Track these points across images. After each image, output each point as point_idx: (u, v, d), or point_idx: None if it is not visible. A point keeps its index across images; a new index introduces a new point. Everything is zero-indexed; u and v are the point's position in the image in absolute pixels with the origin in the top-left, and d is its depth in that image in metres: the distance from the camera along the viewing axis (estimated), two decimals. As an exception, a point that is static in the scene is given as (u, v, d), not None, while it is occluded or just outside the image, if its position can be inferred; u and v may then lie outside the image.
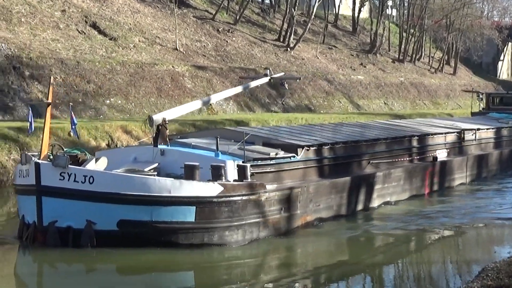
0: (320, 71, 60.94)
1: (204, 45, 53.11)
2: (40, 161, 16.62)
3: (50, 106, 17.29)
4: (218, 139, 18.91)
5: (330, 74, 61.48)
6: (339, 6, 79.85)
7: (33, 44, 39.02)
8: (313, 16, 66.11)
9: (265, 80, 25.35)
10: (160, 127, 19.36)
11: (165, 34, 50.41)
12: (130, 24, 48.85)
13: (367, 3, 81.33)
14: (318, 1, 66.76)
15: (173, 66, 45.73)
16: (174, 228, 16.78)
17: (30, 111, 18.27)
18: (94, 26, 45.55)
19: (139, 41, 47.25)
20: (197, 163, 17.29)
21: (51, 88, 17.59)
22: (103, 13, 47.73)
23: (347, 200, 21.86)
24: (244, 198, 17.60)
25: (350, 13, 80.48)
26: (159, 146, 19.04)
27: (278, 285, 15.38)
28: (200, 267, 16.36)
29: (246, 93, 48.39)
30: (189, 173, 17.18)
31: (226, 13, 61.80)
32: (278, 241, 18.53)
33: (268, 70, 25.72)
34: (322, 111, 54.23)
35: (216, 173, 17.51)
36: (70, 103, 20.36)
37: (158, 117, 19.50)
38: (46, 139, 17.10)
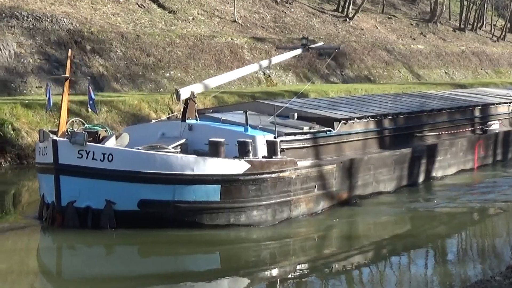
0: (380, 41, 60.36)
1: (263, 17, 53.05)
2: (57, 138, 15.82)
3: (68, 80, 16.57)
4: (247, 113, 17.91)
5: (390, 44, 60.85)
6: (399, -26, 78.74)
7: (94, 18, 39.52)
8: (372, -14, 65.42)
9: (301, 50, 24.04)
10: (188, 101, 18.47)
11: (223, 6, 50.48)
12: (189, -4, 49.02)
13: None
14: (378, -30, 65.97)
15: (232, 38, 45.83)
16: (198, 208, 15.97)
17: (49, 86, 17.19)
18: (154, -1, 45.87)
19: (198, 13, 47.44)
20: (222, 139, 16.41)
21: (69, 62, 16.80)
22: (162, -14, 48.01)
23: (388, 176, 20.77)
24: (273, 175, 16.68)
25: (410, -18, 79.33)
26: (188, 121, 18.19)
27: (311, 267, 14.64)
28: (227, 248, 15.62)
29: (305, 64, 48.22)
30: (213, 149, 16.29)
31: (285, -16, 61.54)
32: (311, 220, 17.62)
33: (306, 39, 24.34)
34: (381, 82, 53.81)
35: (243, 150, 16.56)
36: (88, 77, 19.55)
37: (185, 91, 18.58)
38: (64, 115, 16.34)
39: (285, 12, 55.88)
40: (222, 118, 18.79)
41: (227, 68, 42.72)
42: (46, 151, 16.00)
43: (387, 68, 57.27)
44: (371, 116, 21.44)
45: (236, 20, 49.39)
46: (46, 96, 17.17)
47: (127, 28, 40.42)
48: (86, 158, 15.54)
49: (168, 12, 45.35)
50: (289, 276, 14.17)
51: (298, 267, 14.66)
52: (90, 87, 17.38)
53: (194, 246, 15.60)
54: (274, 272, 14.42)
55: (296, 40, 50.56)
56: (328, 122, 19.71)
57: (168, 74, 39.21)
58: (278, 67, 46.25)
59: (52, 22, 36.71)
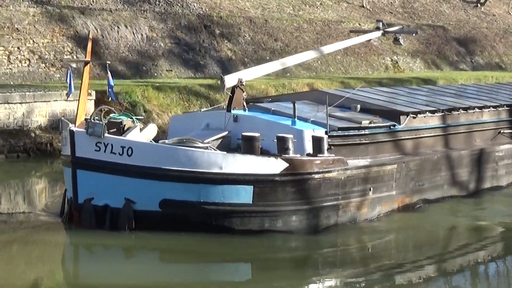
0: (512, 28, 58.49)
1: (391, 2, 52.33)
2: (74, 129, 14.27)
3: (88, 65, 14.94)
4: (295, 104, 15.91)
5: (523, 31, 58.86)
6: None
7: (223, 3, 40.05)
8: (506, -30, 63.36)
9: (377, 34, 21.98)
10: (235, 89, 16.69)
11: (351, -9, 50.11)
12: (317, -19, 48.93)
13: None
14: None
15: (359, 24, 45.43)
16: (226, 211, 14.21)
17: (70, 71, 15.58)
18: (282, -16, 46.03)
19: (325, -2, 47.29)
20: (256, 134, 14.58)
21: (89, 45, 15.11)
22: (291, -29, 48.12)
23: (463, 178, 18.48)
24: (316, 176, 14.68)
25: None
26: (233, 111, 16.38)
27: (358, 281, 12.80)
28: (259, 258, 13.81)
29: (433, 50, 47.32)
30: (247, 145, 14.46)
31: (414, -31, 60.45)
32: (363, 227, 15.52)
33: (381, 23, 22.15)
34: (513, 69, 52.18)
35: (282, 146, 14.55)
36: (108, 62, 17.64)
37: (231, 78, 16.86)
38: (83, 102, 14.70)
39: (414, -3, 54.92)
40: (273, 108, 16.95)
41: (354, 54, 42.46)
42: (66, 141, 14.67)
43: (519, 56, 55.46)
44: (447, 110, 18.93)
45: (364, 5, 48.92)
46: (66, 81, 15.68)
47: (255, 13, 40.75)
48: (104, 151, 14.09)
49: (296, -3, 45.42)
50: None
51: (347, 281, 12.82)
52: (109, 73, 15.77)
53: (222, 254, 13.94)
54: (315, 287, 12.77)
55: (424, 26, 49.65)
56: (394, 115, 17.49)
57: (295, 59, 39.27)
58: (405, 53, 45.63)
59: (182, 6, 37.45)
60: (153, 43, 34.61)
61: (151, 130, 15.38)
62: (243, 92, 16.87)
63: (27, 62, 30.28)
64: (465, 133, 19.41)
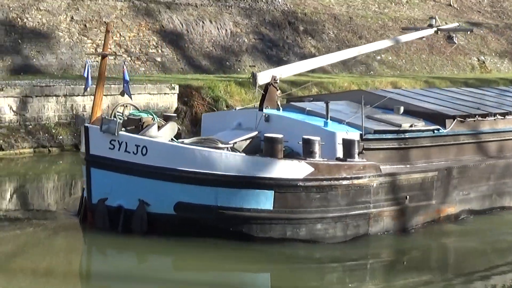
0: None
1: (480, 1, 51.34)
2: (89, 125, 13.73)
3: (105, 58, 14.35)
4: (328, 104, 14.89)
5: None
6: None
7: (307, 0, 39.99)
8: None
9: (429, 32, 20.36)
10: (268, 86, 15.67)
11: (439, -10, 49.39)
12: (404, -21, 48.40)
13: None
14: None
15: (446, 23, 44.68)
16: (245, 217, 13.39)
17: (88, 65, 14.76)
18: (368, -19, 45.70)
19: (412, -4, 46.74)
20: (279, 135, 13.57)
21: (107, 37, 14.55)
22: (377, -32, 47.72)
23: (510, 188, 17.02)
24: (344, 182, 13.76)
25: None
26: (265, 111, 15.39)
27: None
28: (280, 268, 12.91)
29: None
30: (268, 147, 13.48)
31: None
32: (398, 239, 14.41)
33: (434, 20, 20.57)
34: None
35: (308, 149, 13.66)
36: (124, 56, 16.40)
37: (264, 75, 15.86)
38: (99, 98, 14.09)
39: (504, -4, 53.78)
40: (308, 108, 15.91)
41: (439, 53, 41.81)
42: (82, 138, 14.14)
43: None
44: (500, 114, 17.45)
45: (452, 4, 48.14)
46: (84, 75, 15.00)
47: (340, 10, 40.56)
48: (119, 149, 13.52)
49: (382, -6, 45.02)
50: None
51: None
52: (125, 68, 15.10)
53: (239, 262, 13.07)
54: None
55: (514, 25, 48.50)
56: (439, 119, 16.21)
57: (379, 57, 38.96)
58: (493, 54, 44.72)
59: (267, 2, 37.55)
60: (237, 39, 34.79)
61: (171, 129, 14.43)
62: (277, 90, 15.82)
63: (113, 55, 30.79)
64: None
